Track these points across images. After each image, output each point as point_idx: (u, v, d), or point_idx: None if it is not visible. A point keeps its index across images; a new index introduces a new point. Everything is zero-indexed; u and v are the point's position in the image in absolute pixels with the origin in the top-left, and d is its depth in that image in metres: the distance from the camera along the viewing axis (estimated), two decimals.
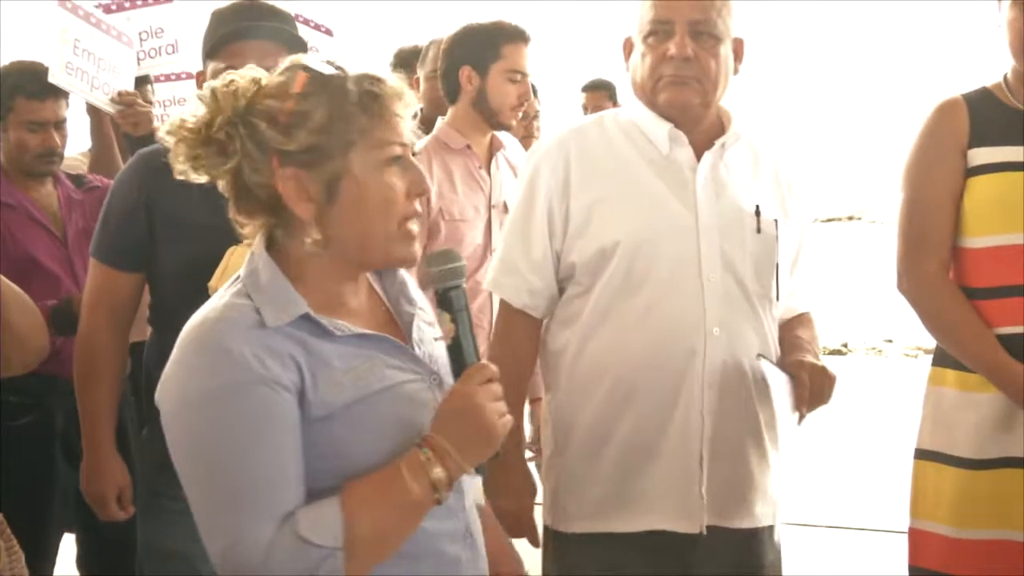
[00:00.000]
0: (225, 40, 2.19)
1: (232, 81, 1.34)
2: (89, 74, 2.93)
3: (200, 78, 2.28)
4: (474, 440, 1.33)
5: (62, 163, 2.88)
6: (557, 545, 2.09)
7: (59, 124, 2.81)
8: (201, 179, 1.37)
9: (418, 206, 1.39)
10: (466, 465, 1.32)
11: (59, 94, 2.82)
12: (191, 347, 1.31)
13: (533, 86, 4.35)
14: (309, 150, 1.31)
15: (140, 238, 2.18)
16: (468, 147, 2.93)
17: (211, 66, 2.18)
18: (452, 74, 2.93)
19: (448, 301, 1.38)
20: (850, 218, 21.39)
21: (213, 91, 1.33)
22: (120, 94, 3.01)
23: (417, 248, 1.40)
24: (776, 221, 2.07)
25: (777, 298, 2.08)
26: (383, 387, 1.35)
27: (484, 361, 1.39)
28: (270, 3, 2.36)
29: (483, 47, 2.91)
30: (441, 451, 1.30)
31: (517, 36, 2.96)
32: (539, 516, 2.16)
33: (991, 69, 2.25)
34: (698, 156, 2.04)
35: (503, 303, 2.13)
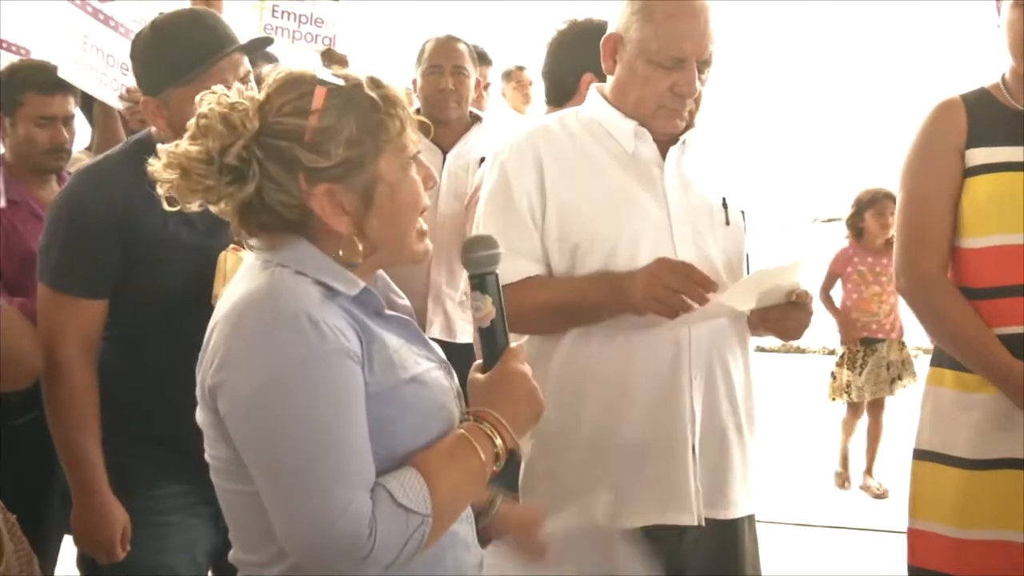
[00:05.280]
0: (218, 54, 2.04)
1: (237, 103, 1.30)
2: (98, 70, 2.93)
3: (151, 107, 2.08)
4: (524, 413, 1.43)
5: (69, 160, 2.89)
6: None
7: (67, 120, 2.82)
8: (194, 206, 1.33)
9: (426, 199, 1.41)
10: (517, 436, 1.42)
11: (68, 90, 2.82)
12: (263, 320, 1.27)
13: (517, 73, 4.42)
14: (342, 164, 1.30)
15: (113, 262, 2.06)
16: None
17: (193, 87, 1.85)
18: (569, 77, 2.63)
19: (489, 285, 1.44)
20: None
21: (224, 117, 1.29)
22: (128, 90, 3.02)
23: (429, 244, 1.43)
24: (743, 212, 2.12)
25: None
26: (422, 371, 1.38)
27: (515, 344, 1.47)
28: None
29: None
30: (499, 424, 1.39)
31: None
32: None
33: (990, 69, 2.26)
34: (660, 152, 2.07)
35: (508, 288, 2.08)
